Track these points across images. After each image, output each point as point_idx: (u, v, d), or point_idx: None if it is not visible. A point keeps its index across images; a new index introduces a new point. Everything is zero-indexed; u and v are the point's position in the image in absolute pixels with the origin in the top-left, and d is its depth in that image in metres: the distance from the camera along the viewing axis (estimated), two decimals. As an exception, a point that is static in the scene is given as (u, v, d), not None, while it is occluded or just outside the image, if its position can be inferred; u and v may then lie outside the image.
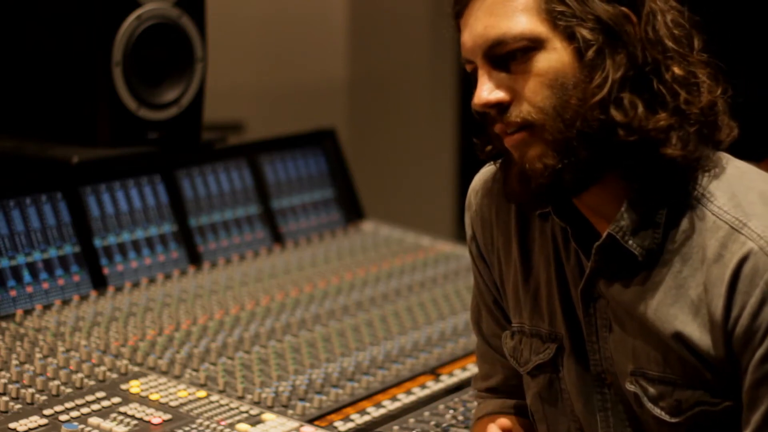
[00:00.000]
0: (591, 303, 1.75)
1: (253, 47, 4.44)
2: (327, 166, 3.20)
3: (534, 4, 1.62)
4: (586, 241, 1.73)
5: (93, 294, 2.58)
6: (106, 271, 2.64)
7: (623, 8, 1.63)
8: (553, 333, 1.82)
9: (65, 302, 2.53)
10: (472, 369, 2.35)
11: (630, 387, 1.73)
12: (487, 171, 1.90)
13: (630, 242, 1.67)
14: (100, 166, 2.74)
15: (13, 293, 2.46)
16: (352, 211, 3.20)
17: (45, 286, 2.52)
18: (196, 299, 2.62)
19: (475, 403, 2.04)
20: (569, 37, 1.62)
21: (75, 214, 2.63)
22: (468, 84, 1.71)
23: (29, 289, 2.50)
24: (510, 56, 1.63)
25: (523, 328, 1.86)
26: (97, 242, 2.65)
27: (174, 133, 2.89)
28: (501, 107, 1.65)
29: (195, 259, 2.82)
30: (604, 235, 1.69)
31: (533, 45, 1.62)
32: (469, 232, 1.92)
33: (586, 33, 1.61)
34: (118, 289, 2.63)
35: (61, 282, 2.55)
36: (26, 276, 2.50)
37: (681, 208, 1.67)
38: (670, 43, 1.64)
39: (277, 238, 3.01)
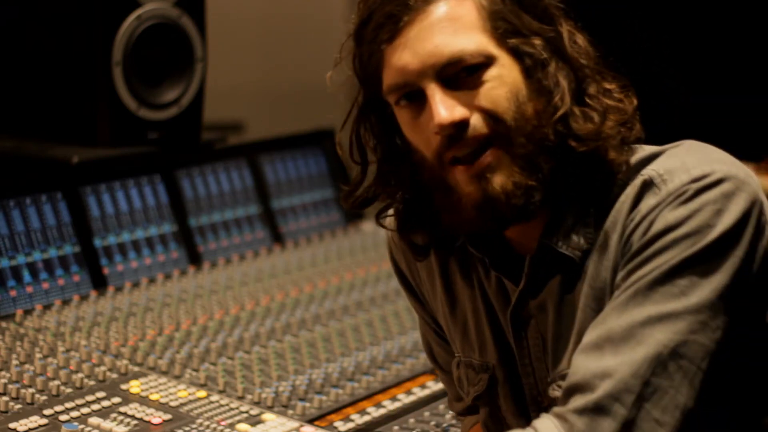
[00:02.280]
0: (522, 325, 1.73)
1: (253, 47, 4.43)
2: (327, 166, 3.20)
3: (480, 23, 1.62)
4: (506, 267, 1.72)
5: (93, 294, 2.58)
6: (106, 271, 2.64)
7: (550, 27, 1.64)
8: (485, 363, 1.80)
9: (65, 302, 2.53)
10: (471, 369, 2.36)
11: (553, 393, 1.69)
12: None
13: (563, 247, 1.65)
14: (100, 166, 2.74)
15: (13, 293, 2.47)
16: (352, 211, 3.20)
17: (45, 286, 2.52)
18: (196, 299, 2.62)
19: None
20: (515, 52, 1.62)
21: (75, 214, 2.63)
22: None
23: (29, 289, 2.50)
24: (464, 73, 1.61)
25: (461, 358, 1.86)
26: (97, 242, 2.66)
27: (174, 133, 2.89)
28: (461, 126, 1.61)
29: (195, 259, 2.82)
30: (537, 245, 1.67)
31: (487, 61, 1.61)
32: (395, 269, 1.93)
33: (531, 49, 1.61)
34: (118, 289, 2.63)
35: (61, 282, 2.55)
36: (26, 276, 2.50)
37: (609, 203, 1.64)
38: (585, 61, 1.65)
39: (277, 238, 3.01)
